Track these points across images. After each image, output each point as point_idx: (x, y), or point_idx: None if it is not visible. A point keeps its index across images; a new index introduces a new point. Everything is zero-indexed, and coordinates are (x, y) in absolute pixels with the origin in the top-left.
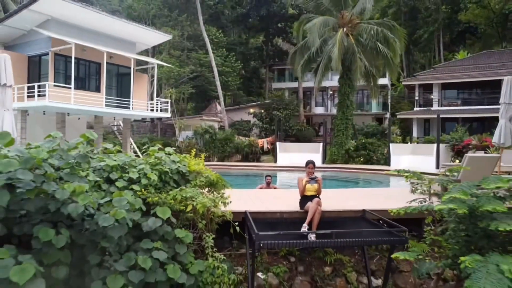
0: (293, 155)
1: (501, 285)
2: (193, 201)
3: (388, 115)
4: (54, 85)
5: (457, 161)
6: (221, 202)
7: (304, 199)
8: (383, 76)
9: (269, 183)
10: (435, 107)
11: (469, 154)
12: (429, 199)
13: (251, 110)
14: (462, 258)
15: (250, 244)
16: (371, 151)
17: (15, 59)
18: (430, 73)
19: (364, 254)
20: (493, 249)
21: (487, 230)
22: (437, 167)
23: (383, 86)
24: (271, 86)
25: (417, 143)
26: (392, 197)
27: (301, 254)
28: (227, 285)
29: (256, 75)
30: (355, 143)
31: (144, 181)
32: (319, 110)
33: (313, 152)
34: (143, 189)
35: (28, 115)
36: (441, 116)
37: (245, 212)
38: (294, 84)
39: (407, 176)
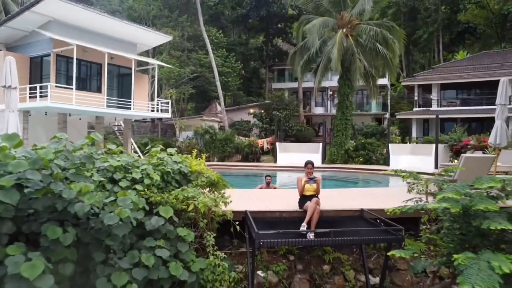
0: (292, 155)
1: (491, 281)
2: (195, 200)
3: (387, 115)
4: (56, 86)
5: (456, 161)
6: (222, 202)
7: (303, 198)
8: (383, 76)
9: (269, 183)
10: (434, 107)
11: (465, 154)
12: (426, 199)
13: (251, 110)
14: (455, 256)
15: (250, 242)
16: (371, 151)
17: (17, 60)
18: (429, 74)
19: (362, 252)
20: (486, 247)
21: (480, 228)
22: (436, 167)
23: (383, 87)
24: (271, 86)
25: (416, 143)
26: (390, 197)
27: (300, 252)
28: (228, 282)
29: (256, 75)
30: (354, 143)
31: (147, 181)
32: (319, 110)
33: (313, 152)
34: (146, 189)
35: (30, 115)
36: (440, 116)
37: (245, 212)
38: (294, 85)
39: (403, 176)
